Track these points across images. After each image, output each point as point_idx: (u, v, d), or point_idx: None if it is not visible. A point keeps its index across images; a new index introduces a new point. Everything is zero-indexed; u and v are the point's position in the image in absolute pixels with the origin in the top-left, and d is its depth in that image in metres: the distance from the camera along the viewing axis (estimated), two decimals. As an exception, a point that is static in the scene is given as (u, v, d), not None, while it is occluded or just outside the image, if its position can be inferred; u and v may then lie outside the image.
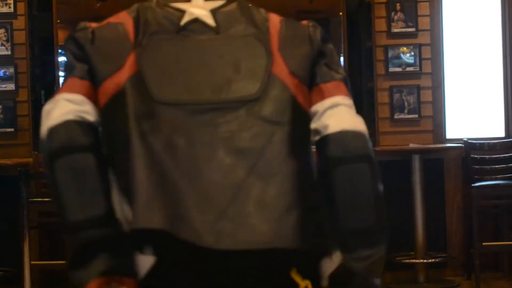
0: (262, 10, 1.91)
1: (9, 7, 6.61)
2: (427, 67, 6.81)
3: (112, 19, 1.90)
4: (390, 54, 6.78)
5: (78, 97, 1.81)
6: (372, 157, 1.79)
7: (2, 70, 6.61)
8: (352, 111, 1.85)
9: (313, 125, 1.83)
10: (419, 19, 6.80)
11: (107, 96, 1.81)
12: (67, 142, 1.76)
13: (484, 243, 6.33)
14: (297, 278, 1.73)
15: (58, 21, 6.80)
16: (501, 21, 6.89)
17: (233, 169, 1.73)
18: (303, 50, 1.86)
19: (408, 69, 6.79)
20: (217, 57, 1.81)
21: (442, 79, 6.83)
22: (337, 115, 1.81)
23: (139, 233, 1.72)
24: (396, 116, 6.79)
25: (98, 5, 7.83)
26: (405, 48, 6.79)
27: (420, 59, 6.79)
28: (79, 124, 1.78)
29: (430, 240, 6.47)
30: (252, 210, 1.71)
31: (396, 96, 6.79)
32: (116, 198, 1.77)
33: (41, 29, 6.84)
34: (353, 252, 1.77)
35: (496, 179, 6.45)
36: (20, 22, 6.64)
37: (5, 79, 6.60)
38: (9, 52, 6.60)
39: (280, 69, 1.81)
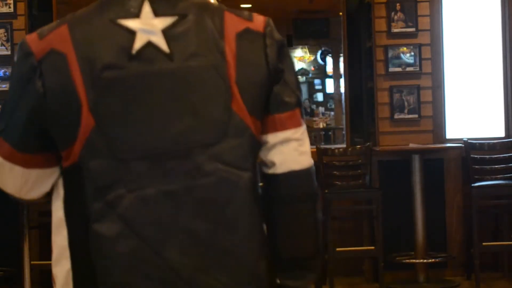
0: (217, 17, 1.79)
1: (9, 7, 6.61)
2: (427, 67, 6.80)
3: (54, 42, 1.74)
4: (390, 54, 6.78)
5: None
6: (315, 192, 1.86)
7: (2, 70, 6.61)
8: (302, 143, 1.84)
9: (262, 155, 1.83)
10: (419, 19, 6.79)
11: (65, 163, 1.76)
12: None
13: (484, 243, 6.32)
14: None
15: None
16: (501, 21, 6.89)
17: (196, 241, 1.72)
18: (258, 77, 1.79)
19: (408, 69, 6.79)
20: (175, 100, 1.73)
21: (442, 79, 6.83)
22: (286, 153, 1.82)
23: None
24: (396, 116, 6.78)
25: (98, 5, 7.83)
26: (405, 48, 6.79)
27: (420, 59, 6.79)
28: None
29: (430, 240, 6.47)
30: (225, 267, 1.73)
31: (396, 96, 6.79)
32: None
33: (41, 29, 6.83)
34: (289, 274, 1.85)
35: (496, 179, 6.45)
36: (20, 22, 6.64)
37: (5, 79, 6.60)
38: (9, 52, 6.60)
39: (239, 105, 1.76)
